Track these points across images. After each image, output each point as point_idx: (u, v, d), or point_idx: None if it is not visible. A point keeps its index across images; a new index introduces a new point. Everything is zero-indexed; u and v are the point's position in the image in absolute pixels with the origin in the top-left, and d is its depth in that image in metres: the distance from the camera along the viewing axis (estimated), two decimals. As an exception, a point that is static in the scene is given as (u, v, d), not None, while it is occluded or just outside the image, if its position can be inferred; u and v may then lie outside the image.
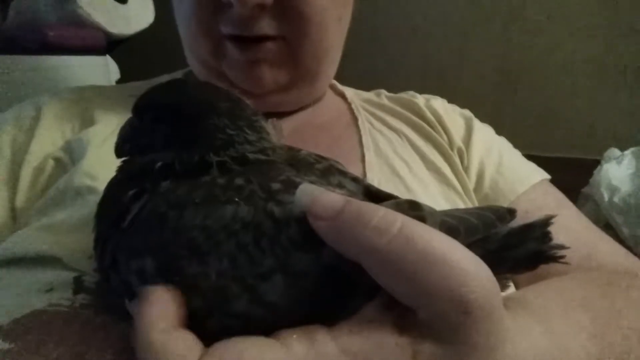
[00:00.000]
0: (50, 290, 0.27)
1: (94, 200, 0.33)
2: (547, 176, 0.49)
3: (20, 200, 0.39)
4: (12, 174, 0.40)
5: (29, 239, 0.31)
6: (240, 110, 0.26)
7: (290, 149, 0.28)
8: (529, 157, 0.52)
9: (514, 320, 0.19)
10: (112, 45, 1.10)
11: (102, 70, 1.01)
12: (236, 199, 0.20)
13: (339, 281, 0.19)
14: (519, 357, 0.18)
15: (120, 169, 0.26)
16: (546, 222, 0.21)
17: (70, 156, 0.40)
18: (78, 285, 0.27)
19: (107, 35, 1.05)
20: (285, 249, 0.19)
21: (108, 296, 0.25)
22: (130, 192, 0.22)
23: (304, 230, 0.19)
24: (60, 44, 0.96)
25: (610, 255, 0.41)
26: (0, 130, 0.42)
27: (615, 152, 0.82)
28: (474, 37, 1.18)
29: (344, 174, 0.27)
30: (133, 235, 0.21)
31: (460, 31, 1.19)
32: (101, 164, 0.37)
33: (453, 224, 0.20)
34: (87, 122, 0.44)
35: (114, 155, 0.30)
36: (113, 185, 0.25)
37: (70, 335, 0.23)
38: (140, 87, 0.52)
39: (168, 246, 0.20)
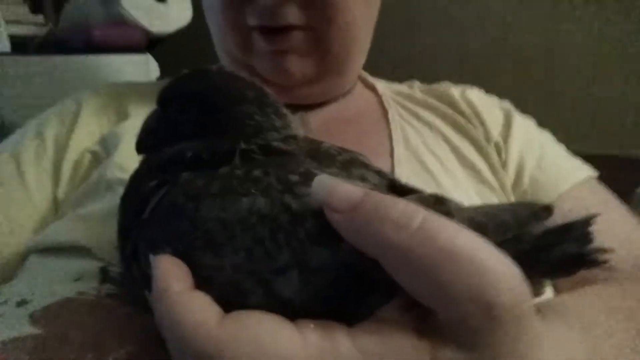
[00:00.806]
0: (79, 279, 0.28)
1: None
2: (595, 173, 0.46)
3: (61, 192, 0.41)
4: (55, 168, 0.43)
5: (63, 229, 0.33)
6: (266, 97, 0.26)
7: (313, 141, 0.27)
8: (577, 153, 0.48)
9: (547, 327, 0.18)
10: (152, 44, 1.14)
11: (143, 68, 1.05)
12: (253, 191, 0.20)
13: (357, 278, 0.18)
14: None
15: (144, 161, 0.26)
16: (587, 221, 0.19)
17: (105, 149, 0.42)
18: (104, 276, 0.28)
19: (148, 33, 1.09)
20: (302, 243, 0.18)
21: (131, 287, 0.25)
22: (152, 184, 0.23)
23: (321, 224, 0.18)
24: (105, 43, 1.00)
25: None
26: (47, 125, 0.45)
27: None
28: (515, 23, 1.12)
29: (367, 166, 0.26)
30: (152, 227, 0.22)
31: (500, 16, 1.12)
32: (133, 157, 0.37)
33: (481, 221, 0.19)
34: (122, 116, 0.46)
35: None
36: (136, 177, 0.26)
37: (94, 324, 0.24)
38: None
39: (184, 237, 0.20)
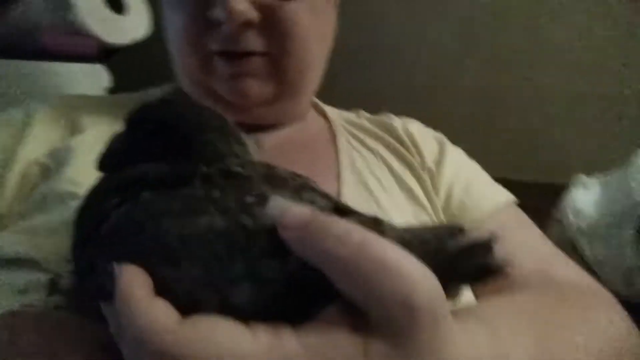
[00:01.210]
0: (24, 291, 0.28)
1: (74, 206, 0.35)
2: (513, 199, 0.52)
3: (4, 206, 0.40)
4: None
5: (7, 241, 0.32)
6: (228, 126, 0.29)
7: (269, 166, 0.30)
8: (506, 181, 0.54)
9: (461, 326, 0.21)
10: (106, 54, 1.11)
11: (93, 78, 1.02)
12: (212, 210, 0.22)
13: (304, 288, 0.21)
14: (461, 357, 0.20)
15: (105, 179, 0.28)
16: (491, 239, 0.23)
17: (55, 162, 0.41)
18: (53, 287, 0.28)
19: (102, 43, 1.06)
20: (255, 257, 0.21)
21: (82, 299, 0.26)
22: (114, 201, 0.24)
23: (273, 241, 0.21)
24: (54, 51, 0.97)
25: (568, 274, 0.43)
26: None
27: (582, 178, 0.86)
28: (459, 63, 1.23)
29: (316, 190, 0.29)
30: (111, 242, 0.23)
31: (446, 58, 1.24)
32: (86, 172, 0.38)
33: (408, 238, 0.22)
34: (76, 129, 0.46)
35: None
36: (95, 193, 0.27)
37: (45, 334, 0.25)
38: (130, 98, 0.54)
39: (144, 252, 0.22)
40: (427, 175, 0.50)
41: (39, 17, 0.99)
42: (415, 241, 0.23)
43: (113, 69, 1.12)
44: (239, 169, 0.26)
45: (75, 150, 0.41)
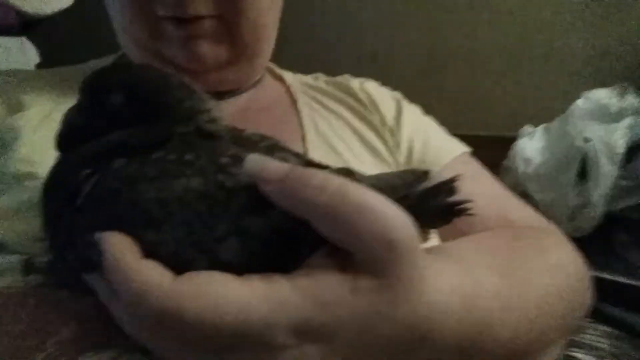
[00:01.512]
0: (0, 274, 0.27)
1: (33, 185, 0.33)
2: (468, 149, 0.55)
3: None
4: None
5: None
6: (188, 83, 0.28)
7: (235, 128, 0.30)
8: (456, 136, 0.57)
9: (433, 261, 0.23)
10: (28, 26, 1.01)
11: (18, 52, 0.93)
12: (188, 172, 0.22)
13: (287, 239, 0.22)
14: (437, 288, 0.22)
15: (70, 153, 0.26)
16: (452, 180, 0.25)
17: (1, 143, 0.38)
18: (28, 267, 0.27)
19: (21, 14, 0.96)
20: (237, 214, 0.21)
21: (63, 274, 0.26)
22: (85, 172, 0.23)
23: (252, 197, 0.21)
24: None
25: (520, 215, 0.47)
26: None
27: (529, 128, 0.93)
28: (403, 25, 1.25)
29: (286, 150, 0.29)
30: (88, 212, 0.22)
31: (392, 20, 1.25)
32: (38, 150, 0.36)
33: (379, 184, 0.24)
34: (14, 107, 0.42)
35: (51, 140, 0.30)
36: (61, 167, 0.26)
37: (27, 313, 0.24)
38: (70, 72, 0.50)
39: (124, 219, 0.21)
40: (389, 133, 0.52)
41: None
42: (387, 187, 0.24)
43: (37, 44, 1.02)
44: (210, 127, 0.26)
45: (22, 129, 0.38)
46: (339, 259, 0.21)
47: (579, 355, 0.62)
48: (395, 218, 0.20)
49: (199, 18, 0.41)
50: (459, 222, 0.27)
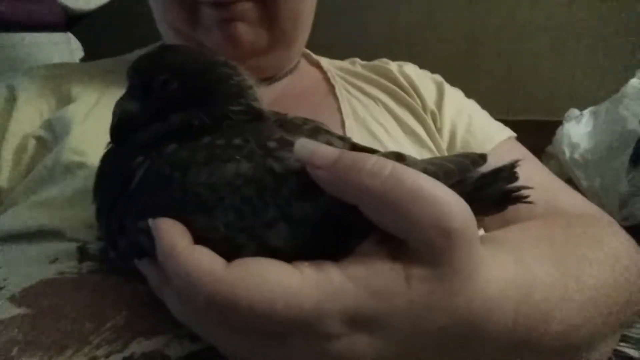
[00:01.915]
0: (55, 260, 0.28)
1: (84, 175, 0.34)
2: (513, 134, 0.53)
3: (3, 180, 0.39)
4: None
5: (26, 215, 0.32)
6: (230, 61, 0.28)
7: (277, 113, 0.30)
8: (499, 121, 0.55)
9: (488, 251, 0.22)
10: (73, 21, 1.05)
11: (64, 47, 0.97)
12: (237, 157, 0.22)
13: (337, 225, 0.21)
14: (492, 280, 0.21)
15: (121, 142, 0.27)
16: (513, 165, 0.24)
17: (52, 134, 0.40)
18: (83, 254, 0.28)
19: (66, 10, 1.00)
20: (287, 199, 0.21)
21: (115, 261, 0.26)
22: (138, 159, 0.24)
23: (302, 182, 0.21)
24: (15, 20, 0.90)
25: (570, 202, 0.45)
26: None
27: (575, 112, 0.88)
28: (440, 5, 1.20)
29: (330, 133, 0.29)
30: (140, 198, 0.23)
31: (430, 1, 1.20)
32: (87, 140, 0.37)
33: (433, 169, 0.23)
34: (64, 99, 0.44)
35: (98, 130, 0.31)
36: (114, 155, 0.26)
37: (83, 298, 0.25)
38: (114, 63, 0.52)
39: (175, 204, 0.21)
40: (430, 118, 0.50)
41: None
42: (440, 172, 0.23)
43: (81, 38, 1.06)
44: (260, 106, 0.26)
45: (72, 120, 0.40)
46: (391, 246, 0.20)
47: (626, 349, 0.59)
48: (453, 205, 0.19)
49: (237, 1, 0.41)
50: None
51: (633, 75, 0.84)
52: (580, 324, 0.26)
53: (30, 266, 0.28)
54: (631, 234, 0.38)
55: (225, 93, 0.26)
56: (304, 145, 0.21)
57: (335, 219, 0.21)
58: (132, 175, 0.23)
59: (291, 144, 0.22)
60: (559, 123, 0.94)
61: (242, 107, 0.26)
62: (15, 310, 0.24)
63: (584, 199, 0.47)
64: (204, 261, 0.19)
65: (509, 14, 1.18)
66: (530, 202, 0.25)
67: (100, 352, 0.22)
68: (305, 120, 0.29)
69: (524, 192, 0.24)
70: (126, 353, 0.22)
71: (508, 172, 0.24)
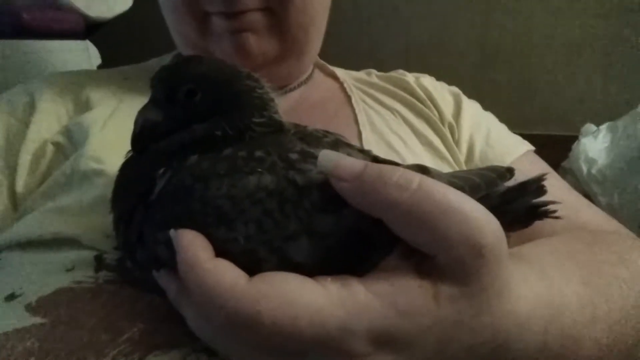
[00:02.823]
0: (71, 269, 0.28)
1: (102, 182, 0.34)
2: (532, 147, 0.52)
3: (20, 186, 0.39)
4: (8, 161, 0.40)
5: (42, 222, 0.32)
6: (252, 74, 0.28)
7: (297, 125, 0.29)
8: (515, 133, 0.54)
9: (516, 268, 0.22)
10: (91, 29, 1.07)
11: (83, 54, 0.98)
12: (259, 170, 0.22)
13: (360, 239, 0.21)
14: (522, 298, 0.21)
15: (142, 151, 0.26)
16: (540, 178, 0.23)
17: (70, 141, 0.40)
18: (99, 263, 0.28)
19: (86, 18, 1.02)
20: (309, 212, 0.20)
21: (132, 272, 0.26)
22: (160, 169, 0.23)
23: (324, 195, 0.21)
24: (36, 28, 0.92)
25: (592, 218, 0.44)
26: None
27: (591, 127, 0.86)
28: (454, 17, 1.20)
29: (351, 146, 0.28)
30: (160, 209, 0.22)
31: (442, 11, 1.20)
32: (106, 148, 0.37)
33: (459, 183, 0.22)
34: (82, 106, 0.44)
35: (117, 137, 0.30)
36: (135, 164, 0.26)
37: (100, 309, 0.25)
38: (132, 70, 0.52)
39: (196, 215, 0.21)
40: (448, 130, 0.50)
41: (17, -8, 0.93)
42: (466, 186, 0.23)
43: (98, 46, 1.08)
44: (281, 119, 0.26)
45: (90, 127, 0.40)
46: (416, 262, 0.19)
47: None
48: (484, 221, 0.19)
49: (247, 11, 0.41)
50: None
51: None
52: (611, 344, 0.25)
53: (46, 274, 0.27)
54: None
55: (249, 105, 0.26)
56: (328, 157, 0.20)
57: (358, 232, 0.21)
58: (153, 185, 0.23)
59: (313, 156, 0.22)
60: (574, 138, 0.93)
61: (264, 120, 0.26)
62: (31, 320, 0.24)
63: (606, 214, 0.46)
64: (226, 276, 0.18)
65: (524, 26, 1.17)
66: (557, 217, 0.24)
67: (116, 365, 0.22)
68: (326, 133, 0.29)
69: (550, 207, 0.23)
70: (143, 366, 0.22)
71: (535, 186, 0.23)
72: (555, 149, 0.97)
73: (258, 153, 0.23)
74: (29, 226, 0.32)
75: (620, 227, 0.44)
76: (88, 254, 0.28)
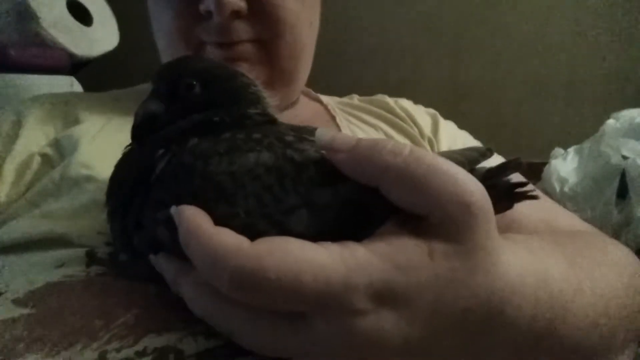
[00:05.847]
0: (61, 265, 0.27)
1: (92, 188, 0.34)
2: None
3: (2, 195, 0.39)
4: None
5: (30, 225, 0.31)
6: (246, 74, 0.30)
7: (288, 123, 0.31)
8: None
9: (504, 239, 0.23)
10: (77, 66, 1.09)
11: (67, 89, 0.99)
12: (257, 148, 0.23)
13: (357, 210, 0.21)
14: (511, 264, 0.21)
15: (140, 141, 0.27)
16: (517, 159, 0.25)
17: (59, 152, 0.40)
18: (91, 258, 0.27)
19: (71, 56, 1.04)
20: (307, 186, 0.21)
21: (125, 264, 0.26)
22: (160, 152, 0.24)
23: (321, 170, 0.22)
24: (24, 63, 0.94)
25: (570, 222, 0.45)
26: None
27: (560, 150, 0.92)
28: (427, 57, 1.29)
29: None
30: (161, 188, 0.23)
31: (414, 53, 1.29)
32: (96, 156, 0.37)
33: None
34: (71, 122, 0.44)
35: (108, 148, 0.31)
36: (132, 154, 0.27)
37: (92, 299, 0.24)
38: (121, 93, 0.53)
39: (196, 192, 0.22)
40: (428, 144, 0.52)
41: (3, 29, 0.95)
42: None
43: (83, 82, 1.09)
44: (273, 112, 0.27)
45: (81, 138, 0.40)
46: (412, 226, 0.20)
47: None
48: (470, 182, 0.20)
49: (240, 42, 0.43)
50: (510, 222, 0.26)
51: (606, 118, 0.89)
52: (595, 324, 0.25)
53: (34, 272, 0.27)
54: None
55: (245, 98, 0.28)
56: (325, 133, 0.22)
57: (355, 204, 0.21)
58: (153, 167, 0.24)
59: (308, 140, 0.23)
60: (543, 165, 0.98)
61: (259, 111, 0.27)
62: (19, 311, 0.23)
63: (579, 218, 0.48)
64: (229, 238, 0.19)
65: (489, 64, 1.27)
66: (536, 198, 0.25)
67: (110, 347, 0.21)
68: (316, 129, 0.30)
69: (529, 188, 0.25)
70: (138, 347, 0.21)
71: (514, 164, 0.25)
72: (526, 174, 1.02)
73: (256, 135, 0.24)
74: (14, 230, 0.31)
75: (597, 230, 0.46)
76: (79, 251, 0.28)
